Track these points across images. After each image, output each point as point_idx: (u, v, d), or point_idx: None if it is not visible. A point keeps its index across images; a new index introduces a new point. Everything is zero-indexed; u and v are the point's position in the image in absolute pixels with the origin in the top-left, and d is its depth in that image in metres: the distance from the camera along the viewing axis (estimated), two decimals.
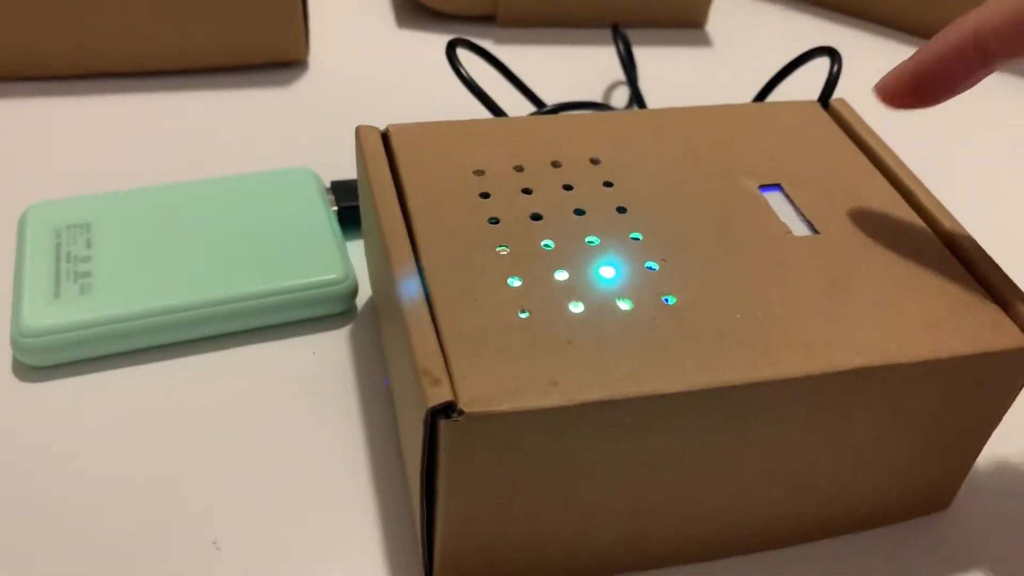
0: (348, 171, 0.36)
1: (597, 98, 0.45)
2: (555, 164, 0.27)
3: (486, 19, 0.50)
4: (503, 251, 0.24)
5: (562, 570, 0.25)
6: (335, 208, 0.34)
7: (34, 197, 0.34)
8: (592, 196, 0.26)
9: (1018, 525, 0.28)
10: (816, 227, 0.26)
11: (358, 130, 0.28)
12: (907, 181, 0.28)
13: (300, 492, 0.27)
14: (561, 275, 0.23)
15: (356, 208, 0.33)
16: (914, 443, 0.25)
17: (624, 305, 0.23)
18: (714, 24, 0.52)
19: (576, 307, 0.23)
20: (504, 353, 0.21)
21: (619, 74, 0.47)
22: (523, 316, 0.22)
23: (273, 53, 0.43)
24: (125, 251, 0.31)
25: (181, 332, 0.30)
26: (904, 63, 0.25)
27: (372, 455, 0.28)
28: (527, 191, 0.26)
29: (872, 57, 0.49)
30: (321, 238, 0.32)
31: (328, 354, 0.31)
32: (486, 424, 0.20)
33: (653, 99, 0.44)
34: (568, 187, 0.26)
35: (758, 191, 0.27)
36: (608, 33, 0.49)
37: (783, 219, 0.26)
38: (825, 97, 0.32)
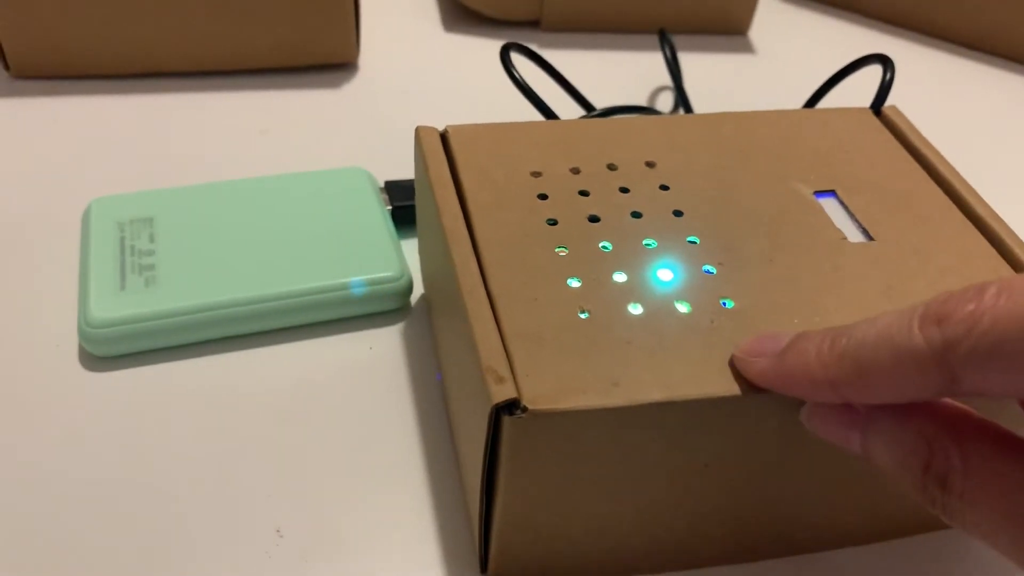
0: (398, 171, 0.36)
1: (641, 102, 0.45)
2: (611, 167, 0.27)
3: (530, 24, 0.50)
4: (562, 252, 0.24)
5: (614, 566, 0.25)
6: (389, 207, 0.35)
7: (96, 192, 0.34)
8: (649, 199, 0.26)
9: None
10: (871, 234, 0.26)
11: (418, 130, 0.28)
12: (960, 189, 0.28)
13: (358, 482, 0.27)
14: (620, 277, 0.24)
15: (409, 208, 0.34)
16: None
17: (682, 308, 0.23)
18: (756, 31, 0.52)
19: (635, 309, 0.23)
20: (565, 352, 0.22)
21: (661, 78, 0.47)
22: (583, 316, 0.23)
23: (325, 55, 0.44)
24: (187, 245, 0.32)
25: (243, 325, 0.30)
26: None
27: (425, 447, 0.28)
28: (584, 193, 0.26)
29: (915, 64, 0.49)
30: (377, 236, 0.33)
31: (383, 349, 0.31)
32: (548, 421, 0.20)
33: (697, 104, 0.44)
34: (624, 190, 0.27)
35: (813, 197, 0.27)
36: (647, 38, 0.49)
37: (838, 225, 0.26)
38: (878, 104, 0.32)
